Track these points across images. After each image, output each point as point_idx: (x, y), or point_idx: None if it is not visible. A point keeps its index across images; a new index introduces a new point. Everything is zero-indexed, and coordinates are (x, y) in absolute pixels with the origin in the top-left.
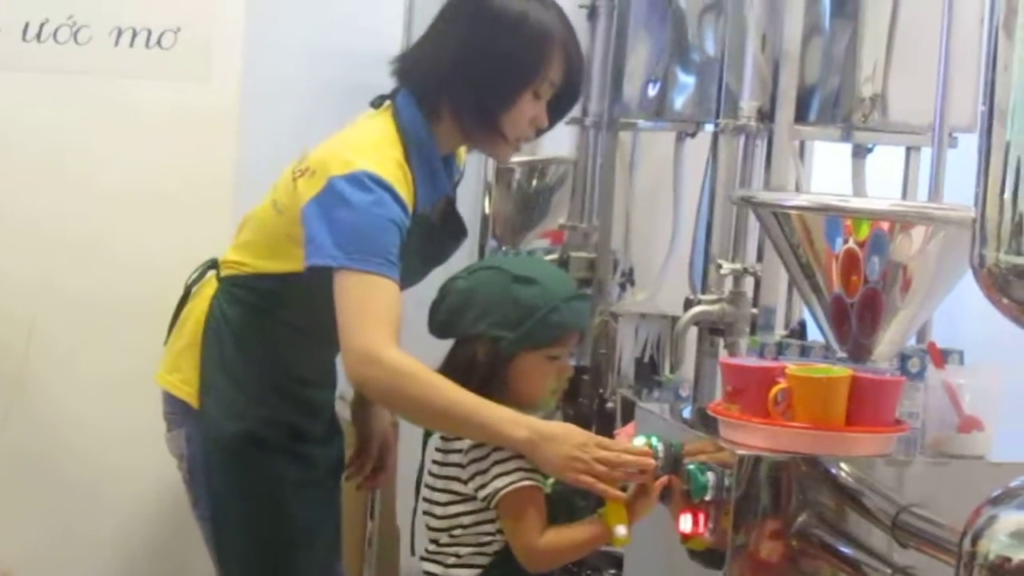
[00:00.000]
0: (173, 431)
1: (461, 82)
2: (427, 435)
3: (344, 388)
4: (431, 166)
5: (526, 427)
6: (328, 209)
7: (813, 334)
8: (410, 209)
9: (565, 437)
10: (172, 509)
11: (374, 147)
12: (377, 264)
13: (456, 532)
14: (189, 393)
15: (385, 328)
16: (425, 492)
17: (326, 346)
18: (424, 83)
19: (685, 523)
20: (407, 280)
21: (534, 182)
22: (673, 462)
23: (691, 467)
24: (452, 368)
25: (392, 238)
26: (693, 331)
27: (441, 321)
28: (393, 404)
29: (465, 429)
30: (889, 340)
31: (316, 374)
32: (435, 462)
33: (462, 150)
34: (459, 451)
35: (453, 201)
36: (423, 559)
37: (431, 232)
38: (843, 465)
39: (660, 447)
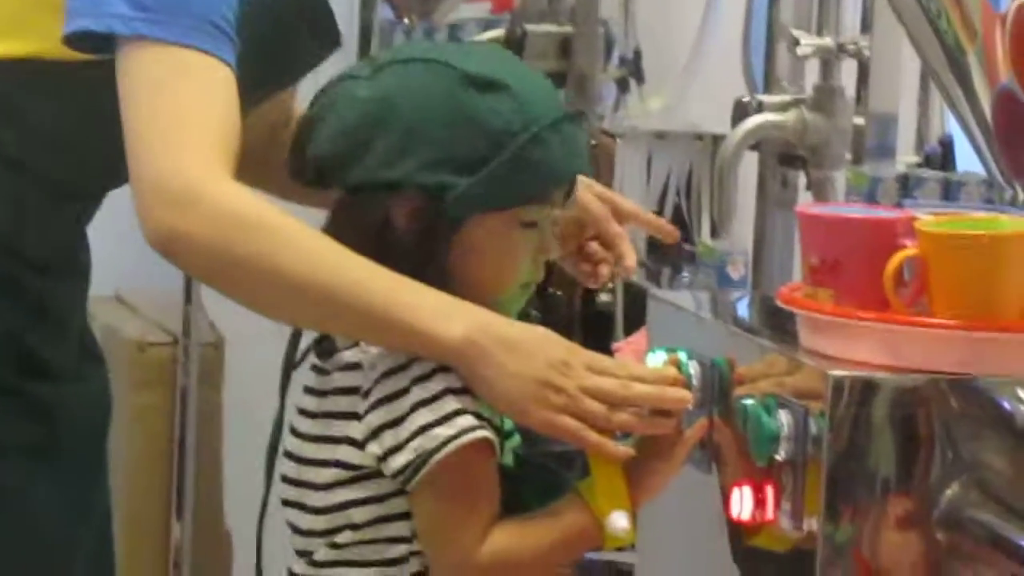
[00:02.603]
0: None
1: None
2: (288, 363)
3: (118, 282)
4: None
5: (466, 321)
6: None
7: (964, 161)
8: None
9: (535, 347)
10: None
11: None
12: (198, 32)
13: (343, 538)
14: None
15: (210, 143)
16: (286, 467)
17: (78, 201)
18: None
19: (740, 503)
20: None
21: None
22: (718, 396)
23: (749, 404)
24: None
25: None
26: (750, 161)
27: (319, 158)
28: (223, 278)
29: (354, 323)
30: None
31: (56, 251)
32: (304, 412)
33: None
34: (352, 389)
35: None
36: None
37: (279, 15)
38: (1022, 392)
39: (693, 370)
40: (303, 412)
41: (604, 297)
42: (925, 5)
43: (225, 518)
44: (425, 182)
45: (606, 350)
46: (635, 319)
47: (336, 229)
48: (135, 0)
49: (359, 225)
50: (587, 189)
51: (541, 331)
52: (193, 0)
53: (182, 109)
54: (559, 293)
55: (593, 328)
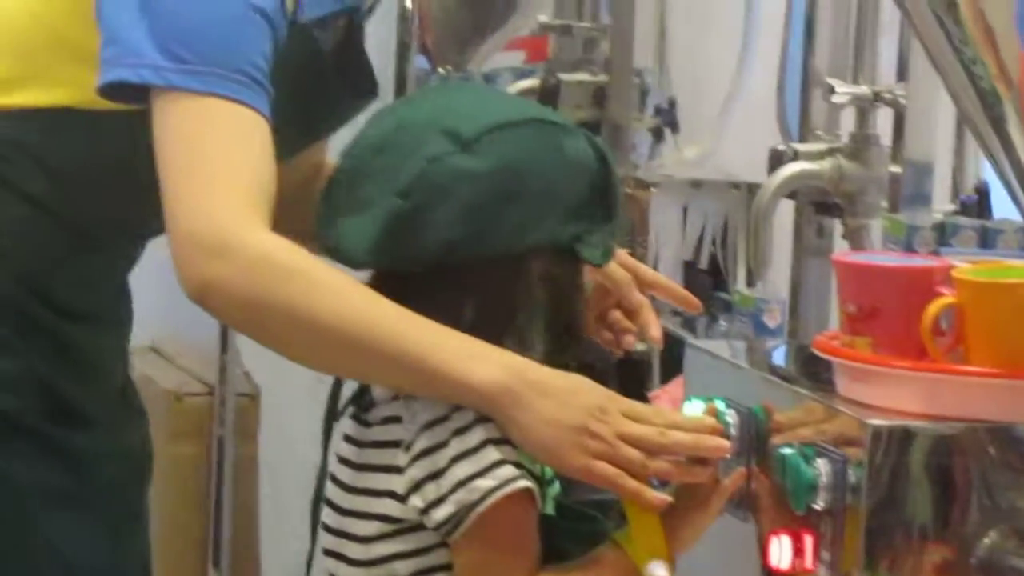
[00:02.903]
0: None
1: None
2: (330, 417)
3: (154, 333)
4: None
5: (500, 365)
6: None
7: (1000, 208)
8: (287, 5)
9: (571, 393)
10: None
11: None
12: (230, 82)
13: None
14: None
15: (244, 192)
16: (327, 516)
17: (111, 249)
18: None
19: (779, 552)
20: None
21: None
22: (755, 444)
23: (787, 452)
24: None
25: (257, 40)
26: (786, 209)
27: (447, 242)
28: (258, 326)
29: (388, 371)
30: None
31: (89, 299)
32: (345, 462)
33: None
34: (393, 443)
35: (361, 27)
36: None
37: (317, 66)
38: None
39: (731, 419)
40: (343, 461)
41: (640, 346)
42: (961, 52)
43: (261, 569)
44: (560, 239)
45: (642, 398)
46: (671, 368)
47: (445, 307)
48: (169, 51)
49: (486, 299)
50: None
51: (576, 377)
52: (225, 50)
53: (215, 159)
54: (595, 340)
55: (629, 376)
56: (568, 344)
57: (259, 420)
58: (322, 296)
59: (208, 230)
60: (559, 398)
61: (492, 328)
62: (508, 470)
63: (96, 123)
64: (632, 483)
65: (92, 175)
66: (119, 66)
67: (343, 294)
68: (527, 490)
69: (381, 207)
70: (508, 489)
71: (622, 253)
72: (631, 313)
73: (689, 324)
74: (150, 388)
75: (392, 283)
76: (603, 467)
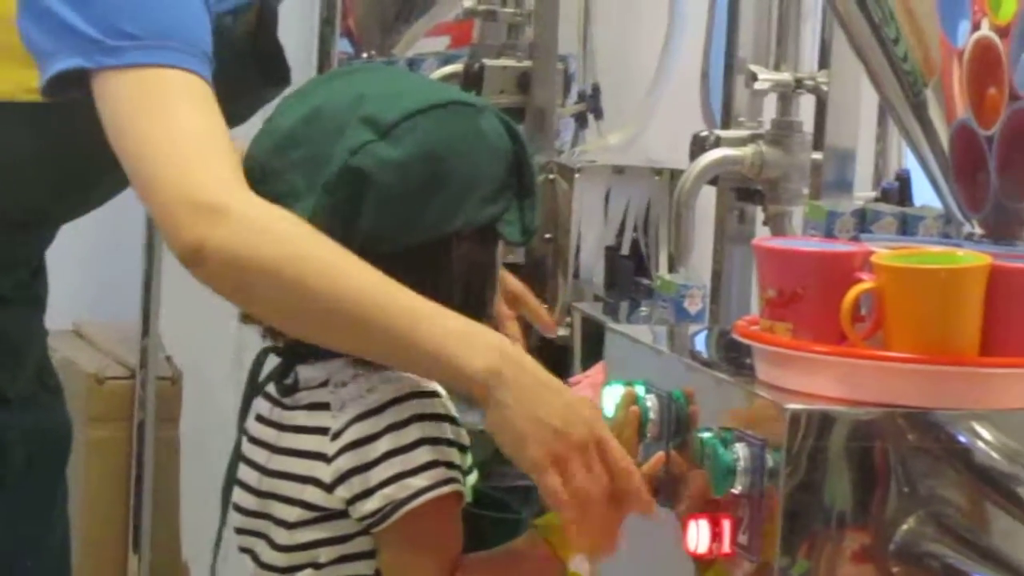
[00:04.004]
0: None
1: None
2: (248, 395)
3: (76, 316)
4: None
5: (497, 351)
6: None
7: (922, 196)
8: None
9: (563, 392)
10: None
11: None
12: (186, 54)
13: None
14: None
15: (225, 158)
16: (242, 498)
17: (26, 230)
18: None
19: (697, 537)
20: None
21: None
22: (675, 429)
23: (706, 437)
24: None
25: (202, 20)
26: (708, 195)
27: (372, 231)
28: (249, 289)
29: (376, 344)
30: None
31: (4, 282)
32: (261, 443)
33: None
34: (320, 429)
35: (274, 12)
36: None
37: (227, 56)
38: (979, 427)
39: (650, 403)
40: (257, 442)
41: (562, 331)
42: (883, 40)
43: (182, 550)
44: (482, 220)
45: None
46: (593, 353)
47: None
48: (119, 30)
49: (415, 283)
50: None
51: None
52: (177, 26)
53: (190, 128)
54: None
55: (551, 362)
56: (480, 322)
57: (181, 404)
58: (315, 263)
59: (204, 194)
60: (550, 393)
61: None
62: (440, 471)
63: (19, 112)
64: (565, 498)
65: (12, 160)
66: (68, 55)
67: (336, 263)
68: (455, 492)
69: (308, 200)
70: (438, 492)
71: None
72: (495, 325)
73: (611, 309)
74: (71, 371)
75: None
76: (555, 481)
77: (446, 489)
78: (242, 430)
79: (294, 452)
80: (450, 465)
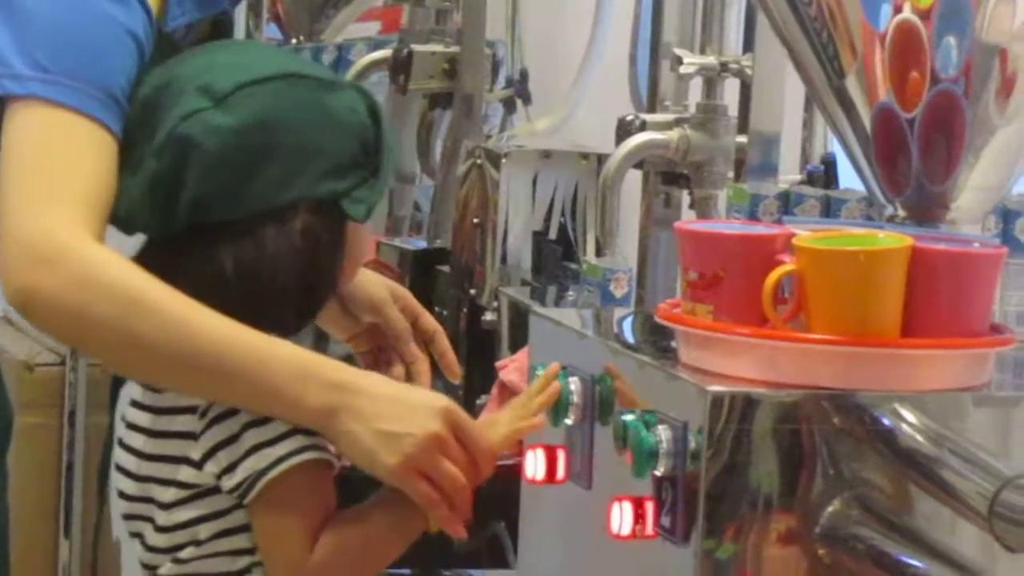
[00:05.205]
0: None
1: None
2: (116, 383)
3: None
4: None
5: (329, 385)
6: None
7: (847, 179)
8: (154, 19)
9: (406, 399)
10: None
11: None
12: (93, 99)
13: (186, 554)
14: None
15: (80, 205)
16: (122, 483)
17: None
18: None
19: (620, 519)
20: None
21: None
22: (598, 411)
23: (628, 419)
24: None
25: (124, 60)
26: (635, 179)
27: (198, 199)
28: (80, 340)
29: (209, 387)
30: (978, 185)
31: None
32: (136, 428)
33: None
34: (191, 408)
35: (229, 23)
36: None
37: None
38: (902, 409)
39: (574, 386)
40: (134, 427)
41: (489, 316)
42: (806, 24)
43: (112, 533)
44: (320, 195)
45: (491, 368)
46: (520, 337)
47: (207, 264)
48: (35, 61)
49: (246, 255)
50: (393, 303)
51: (415, 389)
52: (97, 62)
53: (58, 170)
54: (443, 312)
55: (478, 346)
56: (324, 299)
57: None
58: (146, 314)
59: (38, 238)
60: (387, 408)
61: (253, 283)
62: (298, 440)
63: None
64: (437, 497)
65: None
66: None
67: (169, 313)
68: (320, 460)
69: (145, 169)
70: (297, 459)
71: (406, 296)
72: (405, 364)
73: (538, 294)
74: (2, 358)
75: (161, 247)
76: (422, 485)
77: (306, 456)
78: (115, 417)
79: (168, 434)
80: (309, 433)
